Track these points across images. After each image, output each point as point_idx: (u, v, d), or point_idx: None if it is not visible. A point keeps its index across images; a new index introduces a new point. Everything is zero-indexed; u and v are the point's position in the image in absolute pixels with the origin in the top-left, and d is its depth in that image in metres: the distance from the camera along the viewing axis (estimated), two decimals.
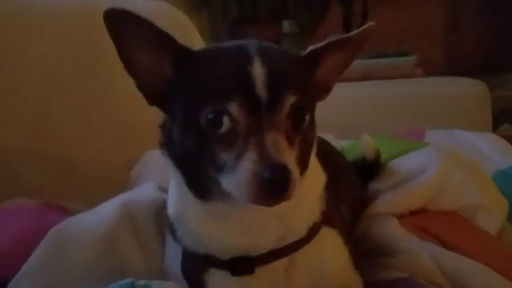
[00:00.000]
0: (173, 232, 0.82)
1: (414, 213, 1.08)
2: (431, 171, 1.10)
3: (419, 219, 1.05)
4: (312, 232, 0.80)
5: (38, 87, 1.35)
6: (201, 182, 0.71)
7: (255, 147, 0.63)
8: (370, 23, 0.80)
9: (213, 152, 0.66)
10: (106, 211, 0.92)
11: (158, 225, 0.92)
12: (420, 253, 0.90)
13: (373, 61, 2.82)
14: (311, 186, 0.79)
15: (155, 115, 1.66)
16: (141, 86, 0.74)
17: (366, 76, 2.63)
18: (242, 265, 0.76)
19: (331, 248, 0.83)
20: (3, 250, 0.82)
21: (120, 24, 0.68)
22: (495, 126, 2.38)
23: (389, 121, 2.05)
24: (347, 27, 3.06)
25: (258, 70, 0.65)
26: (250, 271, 0.75)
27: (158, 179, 1.20)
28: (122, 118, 1.54)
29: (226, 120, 0.65)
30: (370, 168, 1.23)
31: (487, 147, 1.39)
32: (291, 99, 0.67)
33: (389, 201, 1.09)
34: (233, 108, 0.65)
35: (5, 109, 1.27)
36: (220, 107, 0.65)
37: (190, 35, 2.12)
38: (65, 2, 1.54)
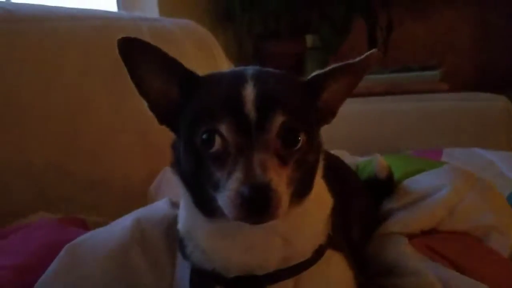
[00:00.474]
0: (182, 248, 0.85)
1: (425, 233, 1.07)
2: (444, 191, 1.09)
3: (430, 239, 1.05)
4: (318, 254, 0.81)
5: (64, 103, 1.41)
6: (204, 200, 0.74)
7: (242, 166, 0.66)
8: (374, 50, 0.82)
9: (209, 171, 0.70)
10: (119, 227, 0.95)
11: (168, 241, 0.94)
12: (428, 275, 0.89)
13: (397, 75, 2.81)
14: (316, 208, 0.81)
15: None
16: (152, 107, 0.80)
17: (390, 91, 2.62)
18: (247, 284, 0.78)
19: (335, 271, 0.84)
20: (24, 262, 0.86)
21: (132, 51, 0.75)
22: None
23: (411, 136, 2.05)
24: (372, 42, 3.06)
25: (248, 92, 0.69)
26: None
27: (174, 195, 1.24)
28: (148, 134, 1.59)
29: (217, 140, 0.69)
30: (382, 187, 1.23)
31: (505, 166, 1.37)
32: (280, 119, 0.69)
33: (400, 220, 1.08)
34: (223, 128, 0.68)
35: (31, 124, 1.33)
36: (212, 127, 0.69)
37: (214, 53, 2.17)
38: (89, 23, 1.61)
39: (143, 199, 1.46)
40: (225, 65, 2.18)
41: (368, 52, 0.82)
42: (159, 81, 0.77)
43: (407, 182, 1.21)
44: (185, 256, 0.84)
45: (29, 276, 0.82)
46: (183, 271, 0.87)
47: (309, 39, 2.93)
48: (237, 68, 0.80)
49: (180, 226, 0.86)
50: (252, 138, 0.68)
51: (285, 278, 0.78)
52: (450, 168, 1.22)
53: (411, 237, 1.05)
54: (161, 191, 1.35)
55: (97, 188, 1.43)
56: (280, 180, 0.66)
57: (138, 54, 0.75)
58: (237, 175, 0.65)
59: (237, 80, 0.72)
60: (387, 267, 0.98)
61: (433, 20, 3.31)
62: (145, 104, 0.80)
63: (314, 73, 0.81)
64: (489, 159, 1.44)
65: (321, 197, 0.83)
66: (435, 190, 1.12)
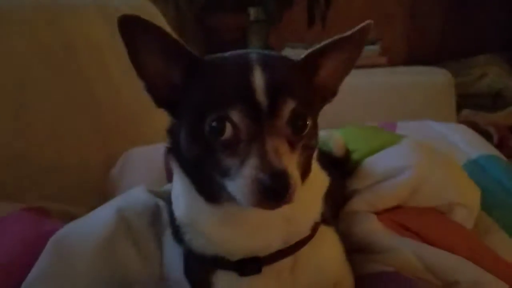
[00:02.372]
0: (179, 236, 0.82)
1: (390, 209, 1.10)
2: (407, 173, 1.11)
3: (396, 214, 1.08)
4: (314, 231, 0.83)
5: (11, 86, 1.31)
6: (209, 186, 0.73)
7: (257, 153, 0.65)
8: (367, 22, 0.80)
9: (217, 158, 0.68)
10: (102, 218, 0.92)
11: (153, 230, 0.93)
12: (403, 251, 0.93)
13: None
14: (314, 188, 0.83)
15: (135, 113, 1.64)
16: (150, 89, 0.75)
17: None
18: (250, 265, 0.78)
19: (329, 245, 0.88)
20: (6, 261, 0.81)
21: (133, 30, 0.70)
22: (456, 112, 2.45)
23: (355, 110, 2.07)
24: (311, 16, 3.08)
25: (258, 78, 0.68)
26: (258, 271, 0.78)
27: (143, 179, 1.20)
28: (102, 115, 1.52)
29: (228, 127, 0.67)
30: (341, 165, 1.24)
31: (458, 138, 1.44)
32: (290, 105, 0.69)
33: (365, 201, 1.11)
34: (234, 115, 0.67)
35: None
36: (222, 114, 0.67)
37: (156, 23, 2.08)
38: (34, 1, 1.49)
39: (102, 183, 1.41)
40: None
41: (360, 25, 0.80)
42: (160, 63, 0.73)
43: (369, 161, 1.22)
44: (182, 244, 0.82)
45: (14, 274, 0.78)
46: (173, 260, 0.86)
47: (253, 12, 2.89)
48: (240, 52, 0.77)
49: (179, 214, 0.82)
50: (263, 125, 0.67)
51: (285, 256, 0.80)
52: (410, 144, 1.23)
53: (377, 213, 1.08)
54: (125, 176, 1.31)
55: (53, 174, 1.35)
56: (292, 166, 0.67)
57: (139, 33, 0.70)
58: (252, 161, 0.65)
59: (244, 66, 0.70)
60: (359, 245, 1.01)
61: None
62: (142, 85, 0.75)
63: (307, 52, 0.79)
64: (442, 132, 1.50)
65: (317, 176, 0.85)
66: (398, 171, 1.13)
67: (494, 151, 1.38)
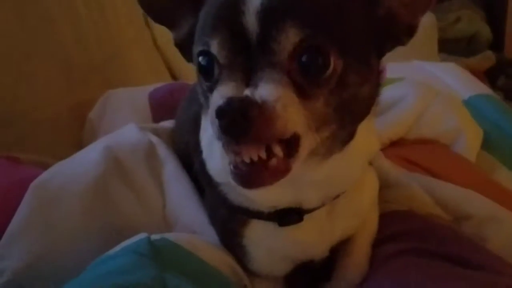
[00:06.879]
0: (213, 185, 0.71)
1: (394, 143, 1.07)
2: (410, 99, 1.10)
3: (401, 149, 1.05)
4: None
5: None
6: None
7: (228, 79, 0.51)
8: None
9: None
10: (89, 158, 0.83)
11: (148, 168, 0.83)
12: (412, 186, 0.88)
13: None
14: (358, 154, 0.68)
15: (104, 59, 1.53)
16: (177, 43, 0.67)
17: None
18: (291, 215, 0.68)
19: (369, 186, 0.78)
20: None
21: None
22: None
23: None
24: None
25: None
26: (299, 220, 0.68)
27: (127, 120, 1.11)
28: (68, 57, 1.42)
29: (216, 65, 0.53)
30: None
31: (449, 78, 1.39)
32: (294, 33, 0.50)
33: None
34: (213, 46, 0.52)
35: None
36: (203, 48, 0.53)
37: None
38: None
39: (73, 128, 1.34)
40: None
41: None
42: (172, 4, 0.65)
43: None
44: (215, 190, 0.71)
45: None
46: (181, 202, 0.78)
47: None
48: None
49: (214, 170, 0.69)
50: (252, 59, 0.50)
51: (325, 204, 0.70)
52: (409, 81, 1.21)
53: (382, 148, 1.02)
54: (107, 118, 1.22)
55: (19, 123, 1.24)
56: (293, 112, 0.50)
57: None
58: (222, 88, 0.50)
59: None
60: None
61: None
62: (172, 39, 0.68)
63: None
64: (433, 72, 1.45)
65: (365, 141, 0.67)
66: (400, 99, 1.11)
67: (487, 90, 1.35)
